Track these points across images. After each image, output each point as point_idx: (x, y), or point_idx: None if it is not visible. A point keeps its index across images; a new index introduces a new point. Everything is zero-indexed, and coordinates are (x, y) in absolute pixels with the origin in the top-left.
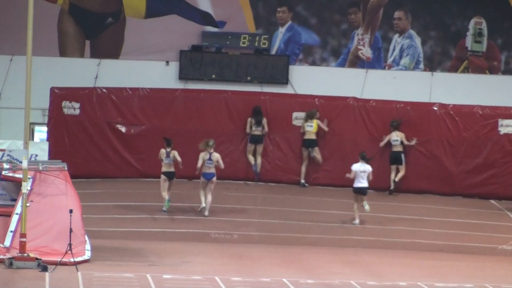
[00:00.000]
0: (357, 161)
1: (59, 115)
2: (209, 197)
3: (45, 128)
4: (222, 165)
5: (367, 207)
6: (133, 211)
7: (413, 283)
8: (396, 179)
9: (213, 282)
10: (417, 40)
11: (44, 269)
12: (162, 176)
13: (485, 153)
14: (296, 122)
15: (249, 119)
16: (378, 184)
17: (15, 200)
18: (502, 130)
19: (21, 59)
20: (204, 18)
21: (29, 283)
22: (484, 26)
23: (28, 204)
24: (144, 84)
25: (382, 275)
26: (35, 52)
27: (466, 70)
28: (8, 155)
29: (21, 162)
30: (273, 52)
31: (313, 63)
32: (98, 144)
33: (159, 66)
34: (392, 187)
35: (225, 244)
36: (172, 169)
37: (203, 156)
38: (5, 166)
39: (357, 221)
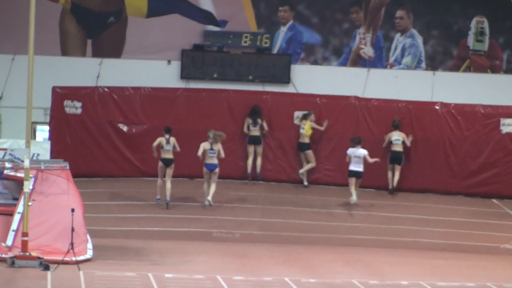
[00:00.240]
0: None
1: (61, 114)
2: (213, 187)
3: (47, 127)
4: (222, 155)
5: (354, 198)
6: (134, 210)
7: (415, 282)
8: (395, 185)
9: (215, 281)
10: (419, 39)
11: (46, 268)
12: (160, 163)
13: (486, 152)
14: (298, 121)
15: (246, 119)
16: (379, 184)
17: (17, 199)
18: (504, 129)
19: (23, 58)
20: (205, 17)
21: (31, 282)
22: (486, 25)
23: (30, 203)
24: (146, 83)
25: (383, 274)
26: (37, 51)
27: (468, 69)
28: (10, 154)
29: (23, 161)
30: (275, 51)
31: (315, 62)
32: (100, 143)
33: (161, 65)
34: (390, 186)
35: (227, 243)
36: (170, 156)
37: (204, 145)
38: (7, 165)
39: (354, 198)
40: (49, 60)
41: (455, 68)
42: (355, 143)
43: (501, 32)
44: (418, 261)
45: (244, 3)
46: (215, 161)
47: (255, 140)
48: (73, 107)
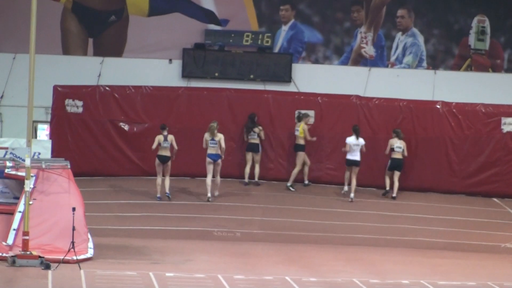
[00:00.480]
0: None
1: (62, 113)
2: (218, 179)
3: (46, 126)
4: (223, 145)
5: (346, 188)
6: (135, 209)
7: (416, 281)
8: (395, 193)
9: (216, 280)
10: (420, 38)
11: (47, 267)
12: (157, 161)
13: (487, 151)
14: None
15: (245, 126)
16: (380, 183)
17: (18, 198)
18: (505, 128)
19: (24, 57)
20: (207, 16)
21: (32, 281)
22: (487, 24)
23: (31, 202)
24: (147, 82)
25: (384, 273)
26: (38, 50)
27: (469, 68)
28: (11, 153)
29: (24, 160)
30: (276, 50)
31: (316, 61)
32: (101, 142)
33: (162, 64)
34: (385, 190)
35: (228, 242)
36: (167, 154)
37: (206, 136)
38: (8, 164)
39: (346, 188)
40: (50, 59)
41: (456, 67)
42: (355, 131)
43: (502, 31)
44: (419, 260)
45: (246, 2)
46: (217, 151)
47: (252, 148)
48: (74, 106)
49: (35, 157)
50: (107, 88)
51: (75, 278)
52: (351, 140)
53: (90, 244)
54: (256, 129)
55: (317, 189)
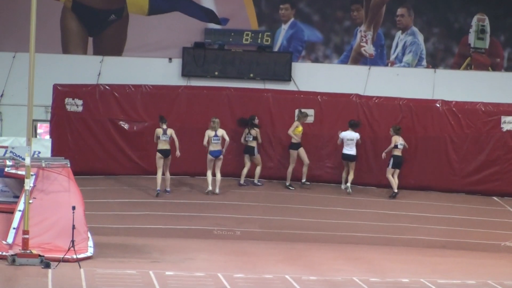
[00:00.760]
0: (359, 156)
1: (62, 112)
2: (218, 175)
3: (46, 125)
4: (227, 138)
5: (349, 190)
6: (135, 208)
7: (416, 280)
8: (396, 189)
9: (216, 279)
10: (420, 37)
11: (47, 265)
12: (158, 154)
13: (487, 150)
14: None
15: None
16: (379, 181)
17: (17, 197)
18: (505, 127)
19: (24, 56)
20: (207, 15)
21: (31, 279)
22: (487, 23)
23: (31, 201)
24: (147, 81)
25: (384, 272)
26: (38, 49)
27: (468, 67)
28: (11, 152)
29: (24, 159)
30: (276, 49)
31: (316, 60)
32: (101, 141)
33: (162, 63)
34: (395, 192)
35: (227, 241)
36: (168, 147)
37: (208, 133)
38: (8, 163)
39: (345, 185)
40: (50, 58)
41: (456, 66)
42: (351, 126)
43: (502, 30)
44: (419, 258)
45: (245, 1)
46: (219, 147)
47: (249, 151)
48: (74, 105)
49: (35, 156)
50: (107, 87)
51: (75, 277)
52: (345, 134)
53: (90, 243)
54: (253, 132)
55: (317, 187)
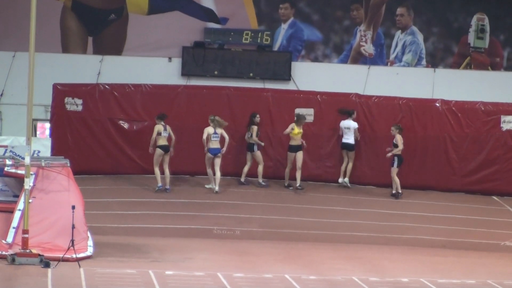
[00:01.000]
0: (359, 155)
1: (61, 112)
2: (218, 173)
3: (47, 125)
4: (226, 137)
5: (346, 184)
6: (135, 207)
7: (416, 279)
8: (400, 190)
9: (215, 278)
10: (420, 37)
11: (47, 265)
12: (159, 151)
13: (487, 150)
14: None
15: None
16: (380, 181)
17: (17, 196)
18: (505, 127)
19: (23, 56)
20: (206, 14)
21: (31, 279)
22: (486, 22)
23: (30, 200)
24: (147, 81)
25: (384, 271)
26: (38, 48)
27: (468, 67)
28: (10, 151)
29: (23, 158)
30: (276, 48)
31: (316, 60)
32: (101, 140)
33: (162, 62)
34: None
35: (227, 240)
36: (167, 143)
37: (208, 130)
38: (8, 162)
39: (342, 179)
40: (50, 57)
41: (456, 65)
42: (343, 113)
43: (502, 29)
44: (419, 258)
45: (245, 1)
46: (218, 145)
47: (248, 147)
48: (74, 104)
49: (35, 155)
50: (106, 86)
51: (74, 276)
52: (343, 123)
53: (90, 242)
54: (251, 129)
55: (317, 187)
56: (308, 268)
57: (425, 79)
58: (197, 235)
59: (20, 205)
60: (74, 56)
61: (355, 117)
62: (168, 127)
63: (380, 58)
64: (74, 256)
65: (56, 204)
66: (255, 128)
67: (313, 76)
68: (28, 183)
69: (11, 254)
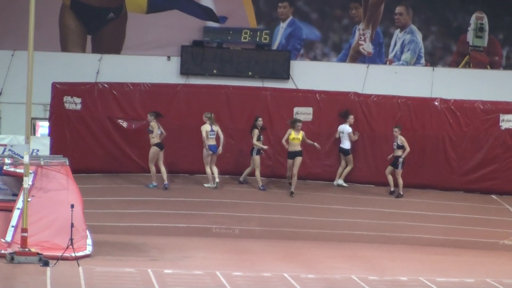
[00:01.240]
0: (357, 154)
1: (60, 110)
2: (215, 168)
3: (46, 123)
4: (221, 135)
5: (335, 182)
6: (134, 206)
7: (414, 278)
8: (401, 192)
9: (214, 277)
10: (418, 35)
11: (46, 264)
12: (156, 148)
13: (486, 148)
14: (297, 117)
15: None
16: (379, 180)
17: (16, 195)
18: (504, 125)
19: (22, 54)
20: (205, 13)
21: (30, 277)
22: (485, 21)
23: (29, 199)
24: (146, 79)
25: (383, 270)
26: (37, 47)
27: (467, 65)
28: (9, 150)
29: (22, 157)
30: (274, 47)
31: (314, 58)
32: (100, 139)
33: (161, 61)
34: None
35: (226, 239)
36: (160, 140)
37: (206, 128)
38: (7, 161)
39: (336, 182)
40: (48, 56)
41: (455, 64)
42: (342, 116)
43: (501, 28)
44: (418, 256)
45: (244, 0)
46: (215, 142)
47: (251, 151)
48: (73, 103)
49: (34, 154)
50: (105, 85)
51: (73, 275)
52: (339, 127)
53: (89, 241)
54: (252, 133)
55: (316, 186)
56: (307, 266)
57: (424, 78)
58: (196, 233)
59: (19, 203)
60: (73, 55)
61: (351, 121)
62: (161, 126)
63: (379, 57)
64: (73, 254)
65: (55, 202)
66: (255, 132)
67: (312, 75)
68: (27, 181)
69: (10, 253)
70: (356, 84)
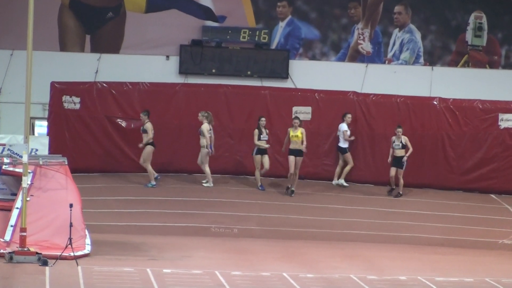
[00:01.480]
0: (356, 154)
1: (59, 110)
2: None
3: (45, 123)
4: (212, 135)
5: (343, 184)
6: (133, 206)
7: (413, 277)
8: (400, 191)
9: (213, 276)
10: (417, 35)
11: (44, 263)
12: (152, 148)
13: (485, 148)
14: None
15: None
16: (377, 179)
17: (15, 194)
18: (503, 125)
19: (21, 54)
20: (204, 12)
21: (29, 277)
22: (484, 20)
23: (28, 199)
24: (144, 79)
25: (382, 269)
26: (36, 46)
27: (466, 65)
28: (8, 149)
29: (21, 156)
30: (273, 46)
31: (313, 58)
32: (98, 138)
33: (159, 60)
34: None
35: (225, 238)
36: None
37: (207, 127)
38: (6, 160)
39: (335, 181)
40: (47, 56)
41: (454, 63)
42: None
43: (500, 28)
44: (417, 256)
45: None
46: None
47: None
48: (72, 103)
49: (33, 153)
50: (104, 84)
51: (72, 275)
52: (339, 126)
53: (88, 241)
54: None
55: (315, 185)
56: (306, 266)
57: (423, 77)
58: (195, 233)
59: (18, 203)
60: (72, 54)
61: (348, 120)
62: None
63: (378, 56)
64: (72, 254)
65: (54, 202)
66: (256, 132)
67: (310, 74)
68: (26, 181)
69: (9, 252)
70: (355, 83)
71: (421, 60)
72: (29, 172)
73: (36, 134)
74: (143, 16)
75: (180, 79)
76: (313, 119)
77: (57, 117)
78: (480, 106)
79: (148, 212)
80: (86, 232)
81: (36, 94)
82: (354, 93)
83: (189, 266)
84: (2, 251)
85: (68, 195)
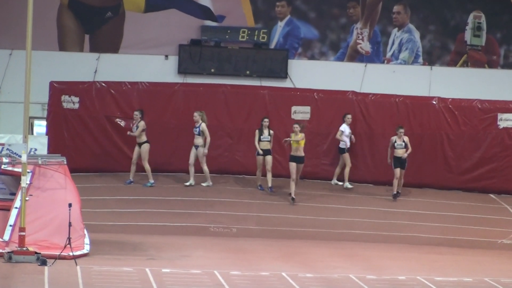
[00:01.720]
0: (355, 154)
1: (58, 109)
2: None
3: (44, 122)
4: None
5: (348, 187)
6: (132, 205)
7: (412, 277)
8: (399, 190)
9: (212, 276)
10: (416, 34)
11: (43, 263)
12: (148, 145)
13: (484, 147)
14: (295, 116)
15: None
16: (376, 179)
17: (14, 194)
18: (502, 124)
19: (20, 53)
20: (203, 12)
21: (28, 277)
22: (483, 20)
23: (27, 198)
24: (143, 78)
25: (381, 269)
26: (35, 46)
27: (465, 64)
28: (7, 149)
29: (20, 156)
30: (272, 46)
31: (312, 57)
32: (97, 138)
33: (158, 60)
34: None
35: (224, 238)
36: None
37: (206, 127)
38: (4, 160)
39: (334, 181)
40: (46, 55)
41: (453, 63)
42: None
43: (498, 27)
44: (416, 256)
45: None
46: None
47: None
48: (71, 102)
49: (32, 153)
50: (103, 84)
51: (71, 274)
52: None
53: (87, 240)
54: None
55: (313, 185)
56: (305, 266)
57: (421, 77)
58: (194, 233)
59: (17, 203)
60: (70, 54)
61: (348, 121)
62: None
63: (376, 56)
64: (70, 254)
65: (53, 202)
66: (256, 132)
67: (309, 73)
68: (25, 181)
69: (8, 252)
70: (354, 83)
71: (420, 59)
72: (28, 172)
73: (35, 133)
74: (142, 16)
75: (179, 79)
76: (312, 119)
77: (56, 117)
78: (479, 106)
79: (147, 212)
80: (85, 232)
81: (35, 94)
82: (353, 92)
83: (188, 265)
84: (1, 250)
85: (67, 195)
